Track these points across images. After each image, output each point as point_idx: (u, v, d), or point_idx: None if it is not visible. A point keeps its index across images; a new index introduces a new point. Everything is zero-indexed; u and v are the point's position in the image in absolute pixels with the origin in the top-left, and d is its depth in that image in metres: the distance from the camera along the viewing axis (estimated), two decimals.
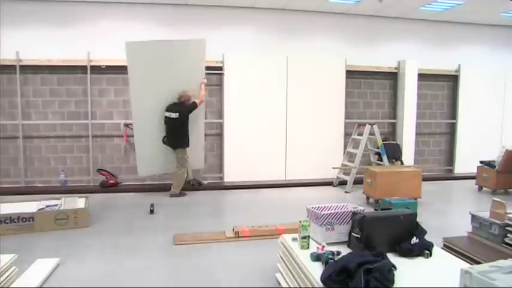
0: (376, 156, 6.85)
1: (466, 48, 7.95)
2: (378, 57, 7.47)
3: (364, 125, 6.66)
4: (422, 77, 7.62)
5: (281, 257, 2.89)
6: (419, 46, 7.69)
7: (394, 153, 7.03)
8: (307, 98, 7.00)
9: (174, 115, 5.71)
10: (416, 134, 7.63)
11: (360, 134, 6.67)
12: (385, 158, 6.54)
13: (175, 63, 5.78)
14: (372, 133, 6.57)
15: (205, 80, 6.07)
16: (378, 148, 6.66)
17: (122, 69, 6.57)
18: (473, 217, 3.47)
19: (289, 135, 7.02)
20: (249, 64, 6.78)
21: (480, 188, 6.50)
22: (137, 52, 5.65)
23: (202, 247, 3.78)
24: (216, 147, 6.97)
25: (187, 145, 5.90)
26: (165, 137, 5.86)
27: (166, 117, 5.79)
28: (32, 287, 2.85)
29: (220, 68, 6.73)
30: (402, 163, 7.07)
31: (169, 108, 5.79)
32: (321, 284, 2.11)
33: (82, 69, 6.43)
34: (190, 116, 5.84)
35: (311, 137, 7.04)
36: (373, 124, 6.59)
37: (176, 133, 5.77)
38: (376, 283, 1.99)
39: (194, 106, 5.82)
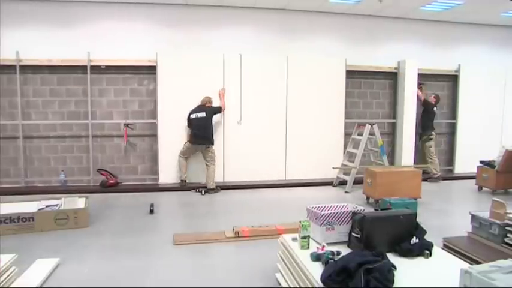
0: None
1: (466, 48, 7.95)
2: (378, 57, 7.47)
3: (364, 125, 6.67)
4: (422, 77, 7.61)
5: (281, 257, 2.89)
6: (419, 46, 7.69)
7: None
8: (307, 98, 7.00)
9: (201, 114, 6.17)
10: (416, 134, 7.63)
11: (360, 134, 6.67)
12: (384, 158, 6.54)
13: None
14: (371, 133, 6.58)
15: (223, 91, 6.57)
16: (378, 148, 6.66)
17: (122, 69, 6.61)
18: (473, 217, 3.47)
19: (289, 135, 7.02)
20: (248, 64, 6.78)
21: (480, 188, 6.50)
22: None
23: (202, 247, 3.79)
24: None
25: (213, 142, 6.32)
26: (192, 137, 6.25)
27: (193, 118, 6.19)
28: (32, 287, 2.85)
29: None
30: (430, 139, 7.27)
31: (194, 110, 6.23)
32: (321, 284, 2.11)
33: (82, 69, 6.43)
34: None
35: (311, 137, 7.04)
36: (373, 124, 6.60)
37: (204, 130, 6.20)
38: (376, 283, 1.99)
39: (219, 109, 6.44)
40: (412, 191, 5.26)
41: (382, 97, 7.70)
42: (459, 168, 7.87)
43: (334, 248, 2.49)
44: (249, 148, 6.79)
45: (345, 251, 2.49)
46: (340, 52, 7.24)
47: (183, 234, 4.06)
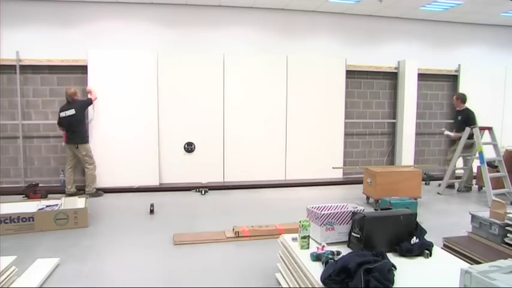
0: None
1: (466, 48, 7.95)
2: (378, 57, 7.48)
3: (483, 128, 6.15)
4: (422, 77, 7.63)
5: (281, 257, 2.89)
6: (419, 46, 7.70)
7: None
8: (307, 98, 7.01)
9: (70, 112, 5.78)
10: (416, 134, 7.63)
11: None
12: (483, 166, 5.80)
13: None
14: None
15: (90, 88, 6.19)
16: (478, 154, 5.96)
17: None
18: (473, 217, 3.46)
19: (289, 135, 7.02)
20: (248, 64, 6.78)
21: (480, 188, 6.50)
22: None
23: (202, 247, 3.78)
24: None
25: (88, 141, 6.00)
26: (65, 137, 5.89)
27: (62, 117, 5.81)
28: (32, 287, 2.85)
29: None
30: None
31: (62, 109, 5.86)
32: (321, 284, 2.11)
33: (82, 69, 6.43)
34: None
35: (311, 137, 7.05)
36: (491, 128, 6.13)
37: (75, 129, 5.82)
38: (376, 283, 1.99)
39: (89, 102, 6.05)
40: (412, 191, 5.26)
41: (382, 97, 7.70)
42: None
43: (334, 248, 2.49)
44: (249, 148, 6.79)
45: (345, 251, 2.49)
46: (340, 52, 7.24)
47: (183, 234, 4.06)
